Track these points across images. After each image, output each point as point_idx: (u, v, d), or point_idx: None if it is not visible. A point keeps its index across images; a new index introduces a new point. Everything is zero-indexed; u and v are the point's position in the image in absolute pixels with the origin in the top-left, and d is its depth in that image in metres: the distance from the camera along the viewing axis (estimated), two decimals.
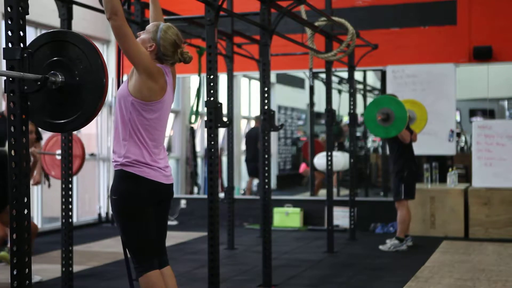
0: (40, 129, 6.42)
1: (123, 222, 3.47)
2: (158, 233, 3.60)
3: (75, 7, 5.12)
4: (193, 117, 7.05)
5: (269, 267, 5.43)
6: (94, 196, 9.85)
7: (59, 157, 5.86)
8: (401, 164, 7.37)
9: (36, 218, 8.53)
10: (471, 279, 5.64)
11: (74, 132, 5.71)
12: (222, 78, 9.28)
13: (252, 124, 12.98)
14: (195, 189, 10.95)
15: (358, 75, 11.61)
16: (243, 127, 13.07)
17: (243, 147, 13.04)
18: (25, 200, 2.81)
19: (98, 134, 9.91)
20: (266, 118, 5.44)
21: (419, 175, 9.35)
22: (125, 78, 3.54)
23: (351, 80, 8.27)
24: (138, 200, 3.45)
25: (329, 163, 7.38)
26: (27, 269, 2.80)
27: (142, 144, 3.44)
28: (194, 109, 7.03)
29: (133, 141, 3.43)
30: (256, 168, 10.66)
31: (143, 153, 3.43)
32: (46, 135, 6.79)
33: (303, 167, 12.11)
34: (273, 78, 12.77)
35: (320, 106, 11.66)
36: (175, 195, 10.12)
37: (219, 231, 4.68)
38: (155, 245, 3.56)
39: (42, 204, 8.58)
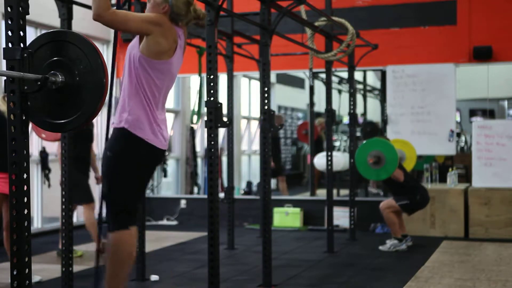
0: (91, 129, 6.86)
1: (112, 179, 3.48)
2: (140, 194, 3.66)
3: (75, 7, 5.12)
4: (195, 117, 7.02)
5: (269, 267, 5.43)
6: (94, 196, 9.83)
7: None
8: (411, 191, 7.36)
9: (36, 218, 8.53)
10: (471, 279, 5.64)
11: None
12: (222, 78, 9.28)
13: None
14: (195, 189, 10.95)
15: (358, 75, 11.62)
16: (243, 127, 13.08)
17: (244, 147, 13.05)
18: (25, 200, 2.81)
19: (98, 134, 9.90)
20: (266, 118, 5.44)
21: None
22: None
23: (351, 80, 8.27)
24: (132, 161, 3.46)
25: (329, 163, 7.38)
26: (27, 269, 2.80)
27: (146, 102, 3.44)
28: (196, 109, 6.99)
29: (138, 99, 3.44)
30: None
31: (147, 113, 3.44)
32: None
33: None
34: (273, 78, 12.77)
35: (320, 106, 11.66)
36: (175, 195, 10.03)
37: (219, 231, 4.68)
38: (136, 206, 3.61)
39: (42, 204, 8.58)
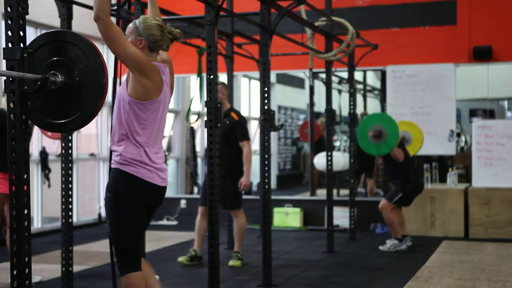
0: None
1: (114, 220, 3.46)
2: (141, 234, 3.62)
3: (75, 7, 5.12)
4: (194, 116, 6.92)
5: (269, 267, 5.43)
6: (94, 196, 9.85)
7: None
8: (405, 178, 7.31)
9: (36, 218, 8.53)
10: (471, 279, 5.64)
11: None
12: (222, 78, 9.28)
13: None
14: (195, 189, 10.94)
15: (358, 75, 11.62)
16: None
17: None
18: (25, 200, 2.81)
19: (98, 134, 9.90)
20: (266, 118, 5.44)
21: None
22: (124, 78, 3.55)
23: (351, 80, 8.27)
24: (132, 201, 3.44)
25: (329, 163, 7.38)
26: (27, 269, 2.80)
27: (139, 143, 3.43)
28: (193, 108, 6.86)
29: (129, 141, 3.42)
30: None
31: (140, 152, 3.42)
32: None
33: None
34: (273, 78, 12.76)
35: (320, 106, 11.66)
36: (175, 195, 9.96)
37: (219, 231, 4.69)
38: (138, 246, 3.56)
39: (42, 204, 8.58)
